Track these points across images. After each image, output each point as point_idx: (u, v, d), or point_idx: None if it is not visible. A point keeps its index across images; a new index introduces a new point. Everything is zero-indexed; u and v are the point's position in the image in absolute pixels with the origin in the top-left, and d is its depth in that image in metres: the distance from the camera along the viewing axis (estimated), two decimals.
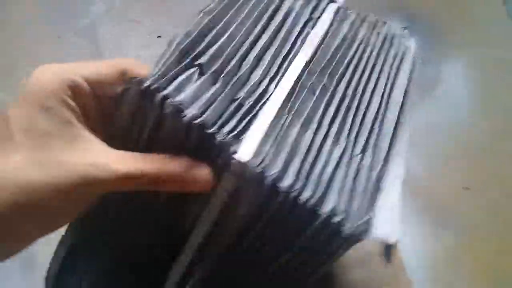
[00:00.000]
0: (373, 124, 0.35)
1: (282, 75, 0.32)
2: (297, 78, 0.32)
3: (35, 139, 0.23)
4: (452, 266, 0.73)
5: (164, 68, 0.27)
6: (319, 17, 0.37)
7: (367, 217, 0.31)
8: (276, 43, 0.33)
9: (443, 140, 0.87)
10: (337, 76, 0.34)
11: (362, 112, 0.35)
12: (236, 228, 0.30)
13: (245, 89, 0.30)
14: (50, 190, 0.23)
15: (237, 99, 0.30)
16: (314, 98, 0.32)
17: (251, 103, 0.30)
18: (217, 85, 0.29)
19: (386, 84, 0.37)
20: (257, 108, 0.30)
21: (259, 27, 0.33)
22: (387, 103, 0.37)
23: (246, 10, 0.33)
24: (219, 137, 0.27)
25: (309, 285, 0.35)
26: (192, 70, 0.29)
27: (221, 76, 0.30)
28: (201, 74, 0.29)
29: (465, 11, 1.11)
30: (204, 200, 0.29)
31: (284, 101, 0.30)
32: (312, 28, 0.36)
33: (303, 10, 0.36)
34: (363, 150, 0.33)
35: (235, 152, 0.27)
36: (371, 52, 0.38)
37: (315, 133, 0.31)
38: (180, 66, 0.28)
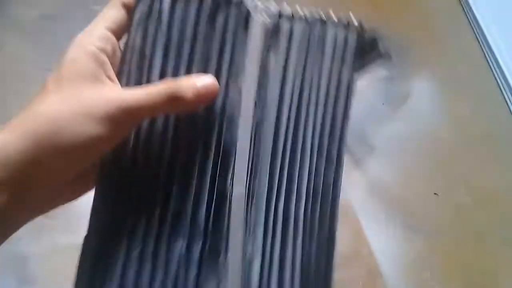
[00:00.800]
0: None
1: None
2: None
3: (63, 85, 0.27)
4: (424, 266, 0.78)
5: None
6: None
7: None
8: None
9: (412, 150, 0.93)
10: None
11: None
12: None
13: None
14: (81, 118, 0.26)
15: None
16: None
17: None
18: None
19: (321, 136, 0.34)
20: None
21: None
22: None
23: None
24: None
25: None
26: None
27: None
28: None
29: (431, 31, 1.18)
30: None
31: None
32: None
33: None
34: None
35: None
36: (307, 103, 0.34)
37: None
38: None
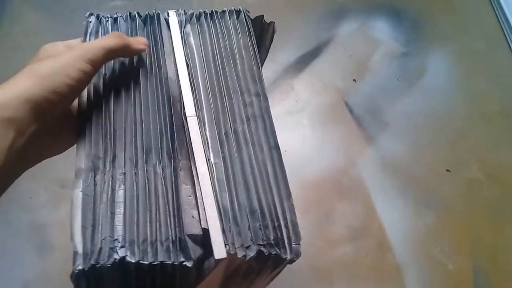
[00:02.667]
0: None
1: None
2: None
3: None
4: (434, 242, 0.79)
5: None
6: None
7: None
8: None
9: (426, 126, 0.93)
10: None
11: None
12: None
13: None
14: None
15: None
16: None
17: None
18: None
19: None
20: None
21: None
22: None
23: None
24: None
25: None
26: None
27: None
28: None
29: (449, 5, 1.16)
30: None
31: None
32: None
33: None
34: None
35: None
36: None
37: None
38: None
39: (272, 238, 0.39)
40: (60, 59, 0.37)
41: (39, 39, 0.86)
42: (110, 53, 0.40)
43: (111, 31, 0.47)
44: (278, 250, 0.39)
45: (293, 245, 0.40)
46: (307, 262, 0.73)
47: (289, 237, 0.40)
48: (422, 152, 0.89)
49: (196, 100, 0.44)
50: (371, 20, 1.07)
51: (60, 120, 0.40)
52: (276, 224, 0.40)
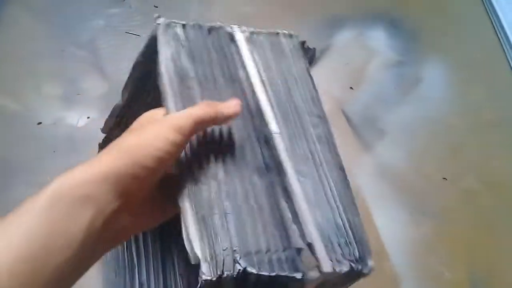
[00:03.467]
0: None
1: None
2: None
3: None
4: (431, 251, 0.79)
5: None
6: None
7: None
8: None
9: (423, 135, 0.93)
10: None
11: None
12: None
13: None
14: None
15: None
16: None
17: None
18: None
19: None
20: None
21: None
22: None
23: None
24: None
25: None
26: None
27: None
28: None
29: (445, 15, 1.17)
30: None
31: None
32: None
33: None
34: None
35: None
36: None
37: None
38: None
39: (357, 254, 0.42)
40: (148, 130, 0.35)
41: (36, 45, 0.87)
42: (201, 124, 0.37)
43: (184, 38, 0.47)
44: (361, 265, 0.41)
45: (368, 261, 0.42)
46: None
47: (363, 253, 0.43)
48: (418, 161, 0.89)
49: (276, 117, 0.45)
50: (368, 29, 1.08)
51: (146, 199, 0.38)
52: (356, 240, 0.43)
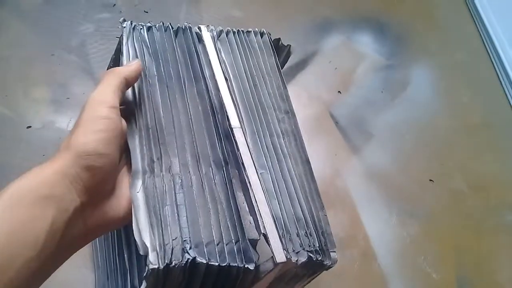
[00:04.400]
0: None
1: None
2: None
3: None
4: (419, 251, 0.80)
5: None
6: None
7: None
8: None
9: (410, 137, 0.94)
10: None
11: None
12: None
13: None
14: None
15: None
16: None
17: None
18: None
19: None
20: None
21: None
22: None
23: None
24: None
25: None
26: None
27: None
28: None
29: (431, 19, 1.19)
30: None
31: None
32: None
33: None
34: None
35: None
36: None
37: None
38: None
39: (317, 245, 0.42)
40: (82, 116, 0.36)
41: (25, 49, 0.87)
42: (120, 89, 0.40)
43: (147, 39, 0.48)
44: (322, 256, 0.42)
45: (331, 253, 0.43)
46: None
47: (326, 245, 0.44)
48: (406, 163, 0.90)
49: (238, 113, 0.46)
50: (356, 33, 1.09)
51: (115, 194, 0.38)
52: (317, 232, 0.43)
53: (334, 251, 0.44)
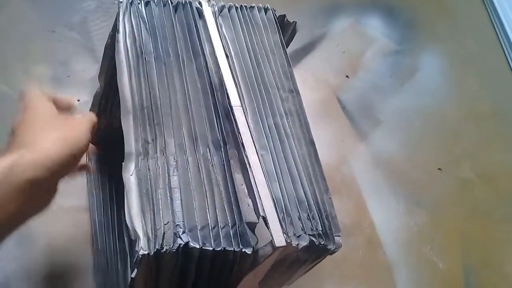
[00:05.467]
0: None
1: None
2: None
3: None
4: (425, 240, 0.78)
5: None
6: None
7: None
8: None
9: (418, 124, 0.92)
10: None
11: None
12: None
13: None
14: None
15: None
16: None
17: None
18: None
19: None
20: None
21: None
22: None
23: None
24: None
25: None
26: None
27: None
28: None
29: (442, 5, 1.16)
30: None
31: None
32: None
33: None
34: None
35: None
36: None
37: None
38: None
39: (320, 229, 0.41)
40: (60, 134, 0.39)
41: (26, 26, 0.84)
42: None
43: (145, 14, 0.46)
44: (325, 240, 0.40)
45: (335, 237, 0.42)
46: None
47: (330, 229, 0.42)
48: (413, 150, 0.88)
49: (239, 91, 0.44)
50: (365, 17, 1.06)
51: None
52: (320, 215, 0.42)
53: (339, 235, 0.42)
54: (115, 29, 0.45)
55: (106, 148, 0.60)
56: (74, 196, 0.69)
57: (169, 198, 0.37)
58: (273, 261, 0.40)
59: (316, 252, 0.42)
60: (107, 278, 0.60)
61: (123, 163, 0.37)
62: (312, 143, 0.46)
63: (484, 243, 0.80)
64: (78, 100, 0.78)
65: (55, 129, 0.39)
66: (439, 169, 0.87)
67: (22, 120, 0.41)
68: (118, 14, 0.45)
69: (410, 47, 1.04)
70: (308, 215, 0.41)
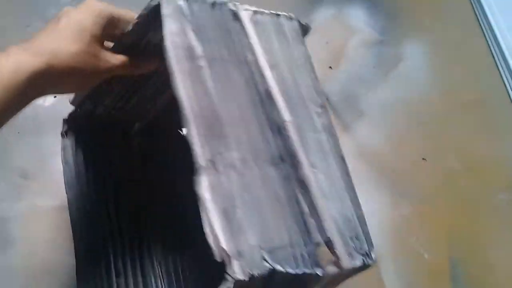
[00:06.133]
0: None
1: None
2: None
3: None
4: (411, 232, 0.78)
5: None
6: None
7: None
8: None
9: (402, 115, 0.92)
10: None
11: None
12: None
13: None
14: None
15: None
16: None
17: None
18: None
19: None
20: None
21: None
22: None
23: None
24: None
25: None
26: None
27: None
28: None
29: None
30: None
31: None
32: None
33: None
34: None
35: None
36: None
37: None
38: None
39: (366, 248, 0.41)
40: (57, 29, 0.42)
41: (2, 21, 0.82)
42: (104, 23, 0.43)
43: (189, 12, 0.42)
44: (369, 259, 0.41)
45: (372, 253, 0.42)
46: None
47: (370, 246, 0.42)
48: (398, 141, 0.88)
49: (287, 104, 0.43)
50: (347, 7, 1.05)
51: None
52: (363, 233, 0.42)
53: (374, 252, 0.43)
54: (146, 20, 0.43)
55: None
56: (52, 195, 0.68)
57: (246, 216, 0.36)
58: (333, 280, 0.40)
59: (359, 270, 0.42)
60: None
61: (194, 177, 0.35)
62: (343, 159, 0.46)
63: (470, 233, 0.80)
64: (55, 96, 0.76)
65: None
66: (423, 159, 0.86)
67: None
68: (160, 7, 0.41)
69: (393, 37, 1.03)
70: (356, 234, 0.41)
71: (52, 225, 0.67)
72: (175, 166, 0.65)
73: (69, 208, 0.61)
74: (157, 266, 0.63)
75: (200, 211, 0.34)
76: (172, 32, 0.40)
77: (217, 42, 0.43)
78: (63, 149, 0.61)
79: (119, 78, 0.50)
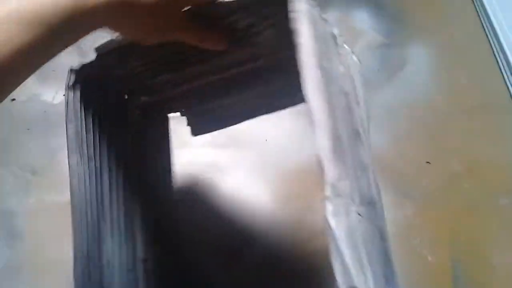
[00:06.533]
0: None
1: None
2: None
3: None
4: (414, 233, 0.78)
5: None
6: None
7: None
8: None
9: (406, 118, 0.92)
10: None
11: None
12: None
13: None
14: None
15: None
16: None
17: None
18: None
19: None
20: None
21: None
22: None
23: None
24: None
25: None
26: None
27: None
28: None
29: None
30: None
31: None
32: None
33: None
34: None
35: None
36: None
37: None
38: None
39: None
40: None
41: None
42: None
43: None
44: None
45: None
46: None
47: None
48: (402, 144, 0.88)
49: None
50: (352, 9, 1.06)
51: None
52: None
53: None
54: (273, 26, 0.42)
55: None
56: (59, 190, 0.69)
57: (375, 252, 0.34)
58: None
59: None
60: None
61: (326, 202, 0.31)
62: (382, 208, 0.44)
63: (472, 235, 0.80)
64: (64, 95, 0.76)
65: None
66: (427, 162, 0.87)
67: None
68: (295, 12, 0.38)
69: (398, 40, 1.04)
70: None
71: (60, 220, 0.68)
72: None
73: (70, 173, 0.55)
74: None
75: (334, 245, 0.30)
76: (309, 40, 0.36)
77: (325, 52, 0.39)
78: (67, 104, 0.56)
79: (173, 47, 0.48)
